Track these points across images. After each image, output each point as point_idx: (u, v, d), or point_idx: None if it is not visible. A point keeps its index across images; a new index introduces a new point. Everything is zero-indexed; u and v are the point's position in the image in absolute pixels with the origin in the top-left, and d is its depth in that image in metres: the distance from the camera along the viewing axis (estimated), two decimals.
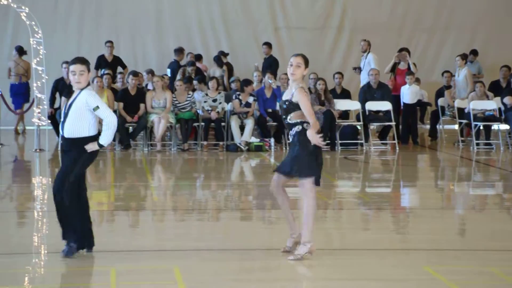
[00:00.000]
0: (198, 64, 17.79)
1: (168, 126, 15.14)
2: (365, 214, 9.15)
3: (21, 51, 17.43)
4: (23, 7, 16.57)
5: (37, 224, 8.42)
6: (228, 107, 15.38)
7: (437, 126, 17.22)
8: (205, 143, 15.19)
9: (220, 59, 17.91)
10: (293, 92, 6.58)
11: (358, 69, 16.86)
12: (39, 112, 14.85)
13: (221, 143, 15.16)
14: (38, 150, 14.52)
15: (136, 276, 6.16)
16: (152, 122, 14.93)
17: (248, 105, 15.32)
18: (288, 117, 6.59)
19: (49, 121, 15.44)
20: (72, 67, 6.65)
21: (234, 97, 15.38)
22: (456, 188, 11.56)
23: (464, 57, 17.19)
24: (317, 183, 6.62)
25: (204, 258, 6.71)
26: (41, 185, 11.21)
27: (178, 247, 7.13)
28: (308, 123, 6.52)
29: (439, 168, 13.97)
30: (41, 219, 8.68)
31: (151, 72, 16.21)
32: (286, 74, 16.57)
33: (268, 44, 18.16)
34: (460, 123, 16.27)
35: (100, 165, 13.79)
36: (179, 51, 17.89)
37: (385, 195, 10.85)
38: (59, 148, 14.91)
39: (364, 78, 16.61)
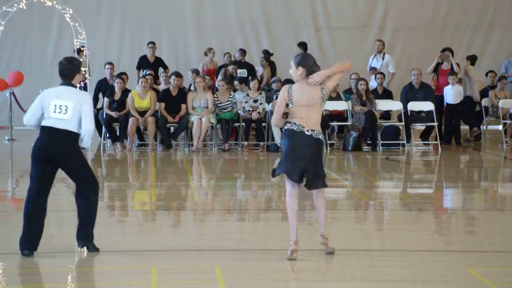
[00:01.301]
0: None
1: (209, 126, 15.18)
2: (406, 215, 9.07)
3: (78, 51, 17.47)
4: (67, 9, 16.80)
5: None
6: (269, 107, 15.38)
7: (481, 127, 17.01)
8: (245, 143, 15.21)
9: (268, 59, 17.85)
10: None
11: (374, 70, 16.69)
12: None
13: (261, 143, 15.17)
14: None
15: (176, 276, 6.20)
16: (191, 123, 14.97)
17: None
18: None
19: None
20: None
21: (275, 97, 15.37)
22: (499, 189, 11.40)
23: (469, 58, 16.98)
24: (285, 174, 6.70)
25: (245, 258, 6.72)
26: None
27: (219, 247, 7.16)
28: (291, 123, 6.85)
29: (482, 169, 13.80)
30: None
31: (195, 72, 16.24)
32: None
33: (303, 44, 17.83)
34: (504, 124, 16.05)
35: (142, 165, 13.91)
36: (243, 50, 17.82)
37: (427, 196, 10.75)
38: (101, 148, 15.11)
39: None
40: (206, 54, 17.87)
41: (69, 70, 6.83)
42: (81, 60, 16.95)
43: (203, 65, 17.77)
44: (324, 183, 6.77)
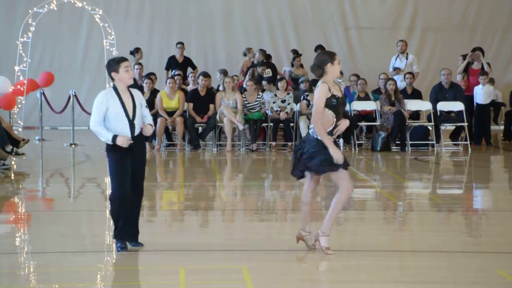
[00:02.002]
0: None
1: (236, 126, 15.18)
2: (435, 216, 9.00)
3: (131, 52, 17.43)
4: (97, 9, 16.91)
5: (108, 223, 8.56)
6: (297, 107, 15.36)
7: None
8: (273, 143, 15.20)
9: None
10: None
11: (398, 70, 16.55)
12: None
13: (289, 143, 15.15)
14: None
15: (204, 276, 6.21)
16: (224, 117, 14.93)
17: None
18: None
19: None
20: (126, 63, 6.92)
21: (302, 98, 15.34)
22: None
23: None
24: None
25: (273, 259, 6.71)
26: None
27: (247, 247, 7.16)
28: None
29: None
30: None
31: (223, 72, 16.26)
32: (354, 75, 16.56)
33: (320, 47, 17.68)
34: None
35: (170, 165, 13.96)
36: (262, 50, 17.83)
37: (457, 197, 10.67)
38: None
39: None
40: (245, 55, 17.90)
41: (107, 71, 6.99)
42: (139, 61, 17.03)
43: (243, 65, 17.81)
44: (317, 166, 6.89)
